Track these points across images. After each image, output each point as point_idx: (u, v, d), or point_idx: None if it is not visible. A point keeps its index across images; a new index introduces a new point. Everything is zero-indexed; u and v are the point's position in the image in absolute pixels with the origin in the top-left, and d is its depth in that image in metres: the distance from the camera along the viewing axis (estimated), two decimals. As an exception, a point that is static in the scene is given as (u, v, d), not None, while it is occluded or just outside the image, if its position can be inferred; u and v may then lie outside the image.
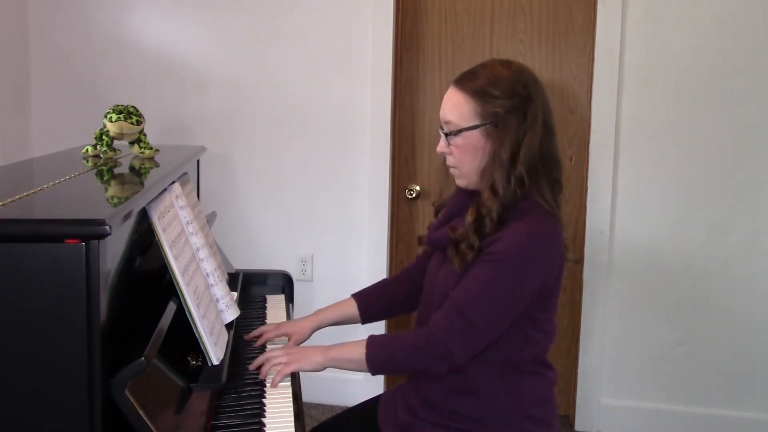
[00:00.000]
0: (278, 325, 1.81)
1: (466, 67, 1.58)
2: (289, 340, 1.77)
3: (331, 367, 1.56)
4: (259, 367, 1.60)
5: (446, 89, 1.56)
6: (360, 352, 1.50)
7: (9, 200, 1.27)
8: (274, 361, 1.58)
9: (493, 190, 1.47)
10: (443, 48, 2.90)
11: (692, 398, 2.80)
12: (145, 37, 3.00)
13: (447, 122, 1.53)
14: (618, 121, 2.72)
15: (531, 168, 1.47)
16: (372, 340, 1.52)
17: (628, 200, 2.76)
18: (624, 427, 2.86)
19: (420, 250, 1.85)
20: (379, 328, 2.74)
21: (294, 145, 2.95)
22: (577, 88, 2.83)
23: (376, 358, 1.50)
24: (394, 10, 2.82)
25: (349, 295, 1.85)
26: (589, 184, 2.78)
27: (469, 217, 1.49)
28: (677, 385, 2.81)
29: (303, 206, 2.98)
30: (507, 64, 1.54)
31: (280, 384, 1.59)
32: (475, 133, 1.49)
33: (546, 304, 1.50)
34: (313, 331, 1.80)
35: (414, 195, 2.97)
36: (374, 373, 1.53)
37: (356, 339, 1.57)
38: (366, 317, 1.83)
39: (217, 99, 2.98)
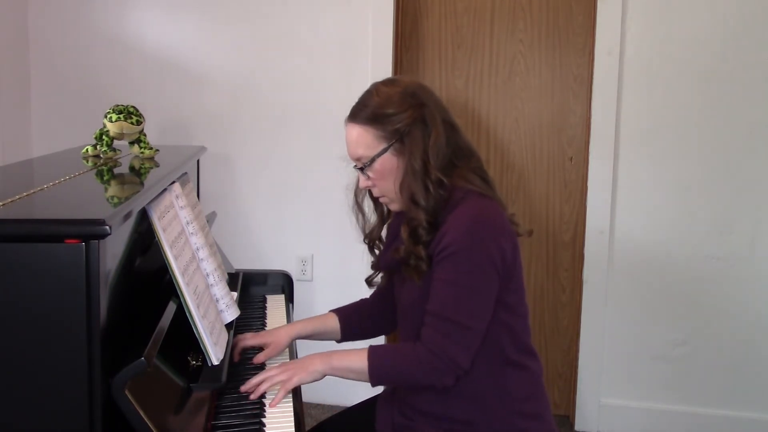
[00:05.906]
0: (254, 335, 1.74)
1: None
2: (264, 349, 1.70)
3: (331, 375, 1.53)
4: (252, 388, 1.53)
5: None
6: (362, 363, 1.48)
7: (9, 200, 1.27)
8: (274, 380, 1.51)
9: (415, 202, 1.49)
10: (443, 48, 2.89)
11: (692, 398, 2.80)
12: (144, 37, 3.00)
13: (358, 158, 1.55)
14: (618, 121, 2.72)
15: (447, 166, 1.50)
16: (373, 351, 1.50)
17: (628, 200, 2.76)
18: (624, 427, 2.86)
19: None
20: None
21: (294, 145, 2.95)
22: (577, 88, 2.83)
23: (379, 370, 1.48)
24: (394, 10, 2.81)
25: (328, 311, 1.81)
26: (589, 184, 2.78)
27: (404, 235, 1.51)
28: (677, 385, 2.81)
29: (303, 206, 2.98)
30: (390, 82, 1.57)
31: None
32: (387, 155, 1.52)
33: (511, 285, 1.50)
34: (291, 340, 1.74)
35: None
36: (375, 384, 1.52)
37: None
38: (347, 335, 1.79)
39: (217, 99, 2.98)
